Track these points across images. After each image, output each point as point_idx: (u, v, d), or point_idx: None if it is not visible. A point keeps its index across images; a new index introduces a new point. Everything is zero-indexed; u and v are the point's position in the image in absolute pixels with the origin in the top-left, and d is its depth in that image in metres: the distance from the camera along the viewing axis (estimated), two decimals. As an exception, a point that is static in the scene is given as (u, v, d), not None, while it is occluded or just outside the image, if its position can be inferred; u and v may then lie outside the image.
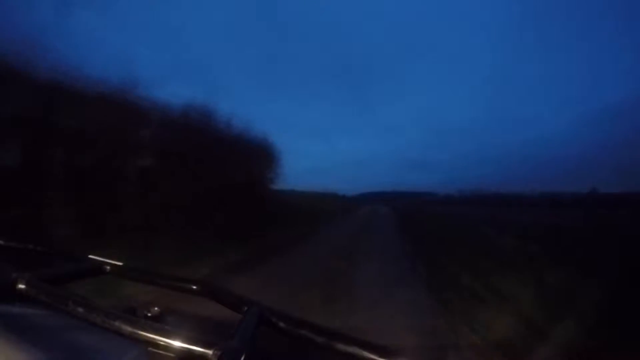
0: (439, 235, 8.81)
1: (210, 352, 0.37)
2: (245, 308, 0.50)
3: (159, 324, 0.51)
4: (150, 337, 0.39)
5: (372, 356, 0.42)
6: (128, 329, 0.40)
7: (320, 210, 15.95)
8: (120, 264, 0.63)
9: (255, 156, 9.01)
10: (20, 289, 0.46)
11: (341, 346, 0.44)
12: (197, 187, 6.04)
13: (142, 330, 0.39)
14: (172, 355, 0.39)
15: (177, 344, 0.38)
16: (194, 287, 0.59)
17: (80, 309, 0.43)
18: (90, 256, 0.66)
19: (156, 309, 0.58)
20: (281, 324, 0.48)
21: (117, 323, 0.40)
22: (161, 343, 0.39)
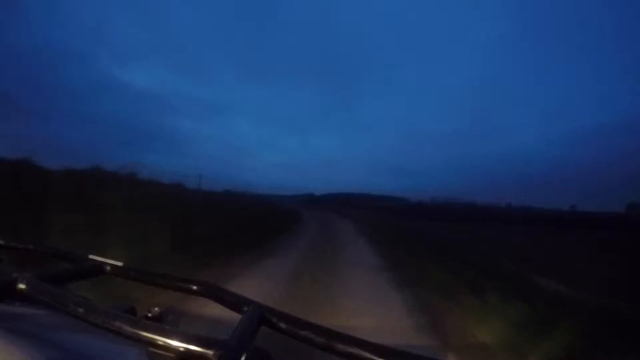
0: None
1: (210, 352, 0.37)
2: (245, 308, 0.50)
3: (159, 324, 0.51)
4: (150, 337, 0.39)
5: (372, 356, 0.42)
6: (128, 329, 0.40)
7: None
8: (121, 264, 0.63)
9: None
10: (21, 289, 0.46)
11: (341, 346, 0.44)
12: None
13: (142, 330, 0.39)
14: (172, 355, 0.39)
15: (177, 343, 0.38)
16: (195, 287, 0.59)
17: (80, 309, 0.43)
18: (91, 256, 0.66)
19: (156, 309, 0.58)
20: (281, 324, 0.48)
21: (117, 323, 0.40)
22: (161, 343, 0.39)
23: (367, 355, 0.42)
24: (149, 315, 0.57)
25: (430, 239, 11.09)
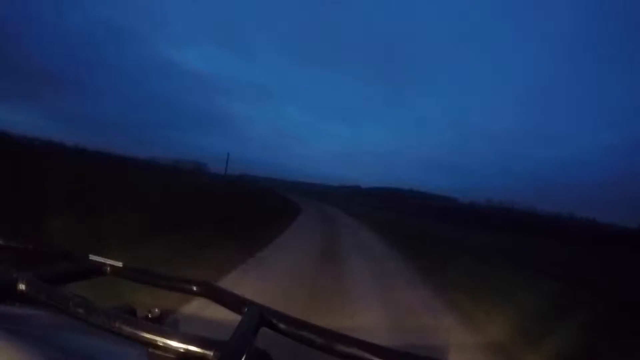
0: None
1: (210, 353, 0.37)
2: (245, 309, 0.50)
3: (159, 324, 0.51)
4: (150, 338, 0.39)
5: (372, 357, 0.42)
6: (128, 329, 0.40)
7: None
8: (120, 264, 0.63)
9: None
10: (21, 289, 0.46)
11: (341, 347, 0.44)
12: None
13: (142, 331, 0.39)
14: (172, 356, 0.39)
15: (177, 344, 0.38)
16: (195, 287, 0.59)
17: (80, 310, 0.43)
18: (91, 256, 0.66)
19: (156, 310, 0.58)
20: (281, 325, 0.48)
21: (117, 324, 0.40)
22: (161, 344, 0.39)
23: (367, 356, 0.42)
24: (149, 316, 0.57)
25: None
